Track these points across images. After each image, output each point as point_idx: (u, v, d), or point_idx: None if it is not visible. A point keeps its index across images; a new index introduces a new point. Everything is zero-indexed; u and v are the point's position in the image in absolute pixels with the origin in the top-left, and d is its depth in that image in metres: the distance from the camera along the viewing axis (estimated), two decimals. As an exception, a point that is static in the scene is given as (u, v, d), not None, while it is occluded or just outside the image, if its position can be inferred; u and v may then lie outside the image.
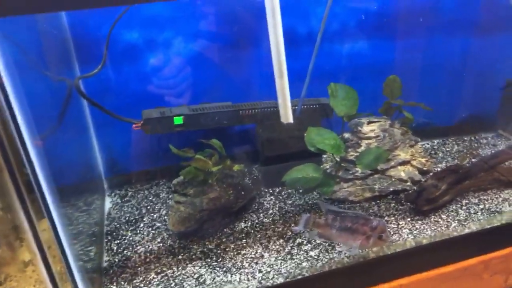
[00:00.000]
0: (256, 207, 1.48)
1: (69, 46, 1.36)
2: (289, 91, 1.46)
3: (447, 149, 1.86)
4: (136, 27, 1.40)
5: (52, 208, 0.88)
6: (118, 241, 1.34)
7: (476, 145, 1.88)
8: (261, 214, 1.44)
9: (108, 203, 1.55)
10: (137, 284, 1.16)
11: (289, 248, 1.27)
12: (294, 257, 1.23)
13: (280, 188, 1.59)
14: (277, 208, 1.48)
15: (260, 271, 1.18)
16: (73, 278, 0.94)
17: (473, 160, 1.71)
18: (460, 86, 1.88)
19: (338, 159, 1.49)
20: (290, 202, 1.51)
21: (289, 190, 1.57)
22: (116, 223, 1.43)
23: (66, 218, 1.08)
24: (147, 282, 1.17)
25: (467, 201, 1.47)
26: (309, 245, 1.28)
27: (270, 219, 1.42)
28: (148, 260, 1.26)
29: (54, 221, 0.88)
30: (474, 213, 1.40)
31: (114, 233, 1.38)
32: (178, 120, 1.43)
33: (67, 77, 1.30)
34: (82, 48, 1.37)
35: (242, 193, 1.42)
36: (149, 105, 1.48)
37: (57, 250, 0.91)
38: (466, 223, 1.35)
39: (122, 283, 1.17)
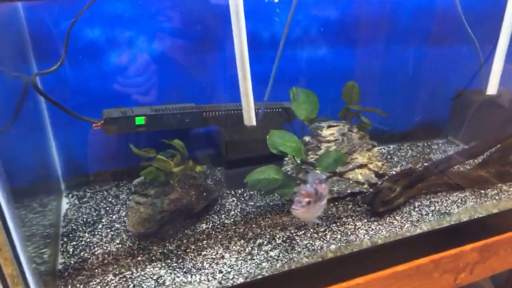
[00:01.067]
0: (218, 209, 1.49)
1: (25, 41, 1.31)
2: (252, 94, 1.49)
3: (402, 153, 1.94)
4: (98, 24, 1.38)
5: (4, 209, 0.84)
6: (75, 243, 1.30)
7: (428, 150, 1.98)
8: (223, 216, 1.45)
9: (65, 204, 1.50)
10: (94, 286, 1.13)
11: (250, 248, 1.28)
12: (255, 258, 1.24)
13: (242, 189, 1.60)
14: (238, 210, 1.49)
15: (220, 272, 1.19)
16: (26, 281, 0.90)
17: (425, 164, 1.80)
18: (414, 94, 1.97)
19: (298, 161, 1.52)
20: (251, 203, 1.53)
21: (251, 192, 1.59)
22: (73, 225, 1.39)
23: (20, 220, 1.04)
24: (104, 284, 1.14)
25: (419, 203, 1.54)
26: (269, 245, 1.30)
27: (232, 220, 1.43)
28: (106, 261, 1.23)
29: (6, 222, 0.85)
30: (425, 215, 1.47)
31: (71, 235, 1.34)
32: (140, 120, 1.41)
33: (23, 73, 1.25)
34: (39, 44, 1.33)
35: (204, 194, 1.42)
36: (110, 105, 1.46)
37: (9, 252, 0.87)
38: (418, 224, 1.42)
39: (78, 285, 1.14)
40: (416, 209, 1.50)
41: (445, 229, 1.43)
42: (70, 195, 1.55)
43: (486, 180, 1.65)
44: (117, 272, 1.18)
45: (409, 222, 1.42)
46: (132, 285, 1.14)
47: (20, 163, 1.14)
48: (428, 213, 1.48)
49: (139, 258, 1.24)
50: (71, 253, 1.26)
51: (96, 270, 1.19)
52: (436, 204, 1.53)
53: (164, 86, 1.53)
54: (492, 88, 1.90)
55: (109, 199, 1.53)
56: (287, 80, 1.63)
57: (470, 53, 1.89)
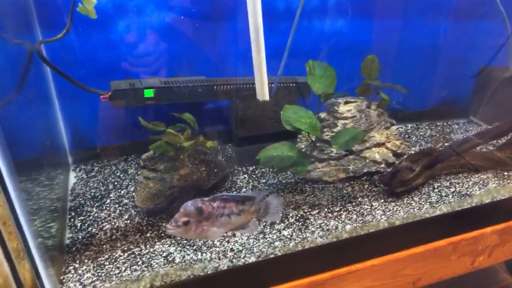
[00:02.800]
0: (229, 185, 1.44)
1: (29, 7, 1.25)
2: (266, 68, 1.42)
3: (421, 133, 1.87)
4: (105, -10, 1.31)
5: (8, 182, 0.81)
6: (82, 218, 1.28)
7: (448, 130, 1.90)
8: (234, 193, 1.41)
9: (72, 178, 1.47)
10: (102, 262, 1.11)
11: (262, 227, 1.24)
12: (267, 236, 1.20)
13: (254, 166, 1.56)
14: (250, 187, 1.44)
15: (231, 250, 1.15)
16: (31, 256, 0.88)
17: (445, 144, 1.73)
18: (436, 70, 1.89)
19: (313, 138, 1.46)
20: (263, 181, 1.48)
21: (263, 169, 1.54)
22: (80, 199, 1.36)
23: (25, 193, 1.00)
24: (113, 260, 1.11)
25: (438, 184, 1.48)
26: (282, 224, 1.25)
27: (243, 198, 1.38)
28: (114, 237, 1.20)
29: (10, 196, 0.81)
30: (445, 196, 1.41)
31: (78, 209, 1.31)
32: (149, 93, 1.36)
33: (27, 41, 1.20)
34: (44, 11, 1.27)
35: (215, 170, 1.38)
36: (118, 76, 1.40)
37: (14, 226, 0.84)
38: (437, 205, 1.36)
39: (86, 261, 1.11)
40: (436, 190, 1.44)
41: (465, 211, 1.37)
42: (78, 169, 1.52)
43: (510, 162, 1.58)
44: (125, 248, 1.15)
45: (428, 203, 1.37)
46: (141, 261, 1.11)
47: (25, 134, 1.10)
48: (448, 195, 1.42)
49: (148, 235, 1.21)
50: (78, 228, 1.24)
51: (104, 246, 1.17)
52: (456, 185, 1.47)
53: (173, 58, 1.47)
54: (519, 65, 1.81)
55: (117, 174, 1.50)
56: (302, 53, 1.55)
57: (498, 28, 1.79)
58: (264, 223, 1.26)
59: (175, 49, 1.46)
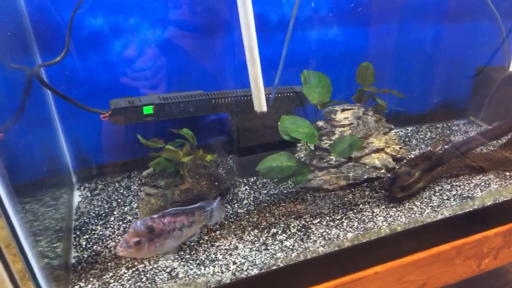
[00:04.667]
0: (230, 198, 1.46)
1: (27, 32, 1.28)
2: (262, 79, 1.43)
3: (420, 136, 1.87)
4: (101, 12, 1.34)
5: (8, 206, 0.83)
6: (87, 236, 1.29)
7: (448, 132, 1.90)
8: (236, 205, 1.42)
9: (77, 197, 1.49)
10: (107, 280, 1.12)
11: (264, 238, 1.25)
12: (269, 248, 1.21)
13: (254, 177, 1.57)
14: (251, 198, 1.45)
15: (234, 263, 1.16)
16: (35, 277, 0.89)
17: (445, 146, 1.73)
18: (433, 73, 1.89)
19: (312, 147, 1.47)
20: (265, 191, 1.49)
21: (264, 180, 1.55)
22: (85, 218, 1.38)
23: (31, 214, 1.03)
24: (118, 278, 1.12)
25: (440, 187, 1.48)
26: (284, 234, 1.26)
27: (245, 209, 1.39)
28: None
29: (10, 219, 0.83)
30: (447, 199, 1.41)
31: (83, 228, 1.33)
32: (148, 110, 1.38)
33: (27, 66, 1.23)
34: (42, 35, 1.30)
35: (216, 183, 1.39)
36: (117, 95, 1.42)
37: (16, 248, 0.86)
38: (439, 209, 1.36)
39: (91, 279, 1.12)
40: (437, 193, 1.44)
41: (467, 214, 1.37)
42: (82, 187, 1.54)
43: (511, 162, 1.57)
44: (129, 266, 1.17)
45: (429, 208, 1.37)
46: (145, 278, 1.12)
47: (28, 156, 1.13)
48: (450, 198, 1.41)
49: (151, 251, 1.22)
50: (84, 246, 1.25)
51: (109, 264, 1.18)
52: (458, 188, 1.47)
53: (171, 74, 1.49)
54: (515, 64, 1.81)
55: (121, 191, 1.51)
56: (297, 63, 1.57)
57: (491, 29, 1.79)
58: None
59: (171, 65, 1.48)
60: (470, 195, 1.43)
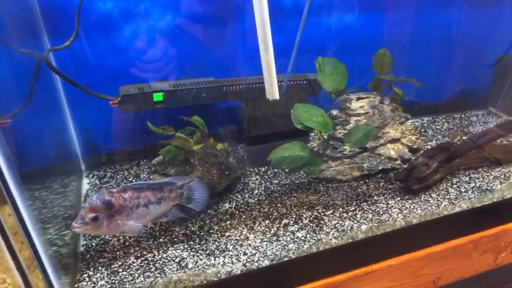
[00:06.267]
0: (241, 187, 1.43)
1: (36, 16, 1.25)
2: (275, 66, 1.39)
3: (437, 126, 1.82)
4: (110, -5, 1.31)
5: (15, 193, 0.81)
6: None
7: (466, 122, 1.84)
8: (246, 195, 1.39)
9: (85, 185, 1.48)
10: (116, 269, 1.10)
11: (275, 229, 1.22)
12: (280, 239, 1.18)
13: (266, 167, 1.54)
14: (262, 188, 1.42)
15: (245, 254, 1.13)
16: (42, 265, 0.88)
17: (464, 138, 1.67)
18: (450, 61, 1.83)
19: (325, 137, 1.43)
20: (276, 181, 1.46)
21: (275, 170, 1.52)
22: (94, 206, 1.36)
23: (40, 201, 1.01)
24: (126, 267, 1.11)
25: (457, 179, 1.43)
26: (295, 225, 1.23)
27: (256, 199, 1.37)
28: (127, 243, 1.20)
29: (17, 206, 0.81)
30: (464, 192, 1.36)
31: (92, 216, 1.31)
32: (158, 97, 1.35)
33: (35, 50, 1.20)
34: (51, 18, 1.27)
35: (226, 172, 1.36)
36: (127, 81, 1.39)
37: (24, 236, 0.84)
38: (456, 202, 1.32)
39: (100, 268, 1.11)
40: (454, 185, 1.40)
41: (485, 207, 1.33)
42: (91, 175, 1.52)
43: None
44: (138, 255, 1.15)
45: (446, 200, 1.32)
46: (154, 268, 1.10)
47: (36, 143, 1.11)
48: (468, 190, 1.37)
49: (161, 240, 1.20)
50: (92, 234, 1.24)
51: (118, 253, 1.16)
52: (476, 180, 1.42)
53: (182, 60, 1.46)
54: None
55: (130, 179, 1.50)
56: (312, 50, 1.52)
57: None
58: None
59: (182, 51, 1.45)
60: (488, 188, 1.38)
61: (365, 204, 1.32)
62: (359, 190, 1.39)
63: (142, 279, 1.06)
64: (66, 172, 1.34)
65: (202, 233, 1.22)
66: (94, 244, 1.20)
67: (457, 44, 1.80)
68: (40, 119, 1.17)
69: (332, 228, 1.22)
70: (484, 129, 1.76)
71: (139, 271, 1.09)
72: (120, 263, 1.13)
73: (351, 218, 1.26)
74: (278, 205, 1.33)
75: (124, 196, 1.02)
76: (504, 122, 1.77)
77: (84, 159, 1.53)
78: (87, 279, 1.07)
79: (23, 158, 0.92)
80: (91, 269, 1.11)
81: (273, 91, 1.43)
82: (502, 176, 1.44)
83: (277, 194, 1.39)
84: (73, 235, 1.18)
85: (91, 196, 1.01)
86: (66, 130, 1.44)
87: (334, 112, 1.51)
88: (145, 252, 1.16)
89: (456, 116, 1.90)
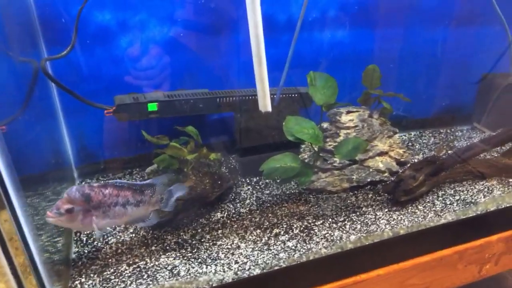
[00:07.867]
0: (233, 197, 1.45)
1: (34, 26, 1.28)
2: (267, 79, 1.43)
3: (424, 141, 1.87)
4: (108, 7, 1.33)
5: (13, 198, 0.82)
6: (88, 232, 1.28)
7: (452, 137, 1.90)
8: (238, 204, 1.41)
9: (78, 193, 1.48)
10: (108, 276, 1.11)
11: (266, 238, 1.24)
12: (271, 248, 1.20)
13: (257, 178, 1.56)
14: (254, 198, 1.45)
15: (236, 262, 1.15)
16: (37, 271, 0.88)
17: (449, 152, 1.72)
18: (437, 78, 1.89)
19: (316, 149, 1.47)
20: (267, 192, 1.48)
21: (267, 180, 1.54)
22: (86, 214, 1.37)
23: (32, 208, 1.02)
24: (118, 274, 1.12)
25: (443, 192, 1.47)
26: (286, 235, 1.25)
27: (247, 209, 1.39)
28: (119, 251, 1.20)
29: (15, 212, 0.82)
30: (450, 204, 1.40)
31: (84, 224, 1.32)
32: (153, 107, 1.37)
33: (33, 58, 1.22)
34: (49, 28, 1.29)
35: (219, 182, 1.38)
36: (122, 91, 1.42)
37: (20, 242, 0.85)
38: (442, 213, 1.35)
39: (92, 275, 1.11)
40: (440, 198, 1.44)
41: (470, 219, 1.36)
42: (83, 183, 1.53)
43: (514, 168, 1.57)
44: (130, 262, 1.16)
45: (432, 212, 1.36)
46: (146, 275, 1.11)
47: (31, 150, 1.12)
48: (453, 203, 1.41)
49: (153, 248, 1.21)
50: (84, 242, 1.24)
51: (110, 260, 1.17)
52: (461, 193, 1.47)
53: (176, 71, 1.49)
54: (521, 71, 1.81)
55: (123, 188, 1.50)
56: (304, 64, 1.57)
57: (497, 34, 1.79)
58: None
59: (177, 63, 1.48)
60: (473, 201, 1.42)
61: (354, 215, 1.35)
62: (348, 201, 1.42)
63: (134, 286, 1.07)
64: (58, 179, 1.35)
65: (194, 242, 1.23)
66: (86, 251, 1.21)
67: (444, 61, 1.86)
68: (35, 127, 1.18)
69: (322, 238, 1.24)
70: (468, 144, 1.81)
71: (131, 278, 1.10)
72: (112, 270, 1.13)
73: (341, 229, 1.28)
74: (269, 215, 1.35)
75: (104, 191, 0.98)
76: (487, 137, 1.82)
77: (77, 167, 1.54)
78: (79, 286, 1.08)
79: (17, 164, 0.93)
80: (83, 276, 1.11)
81: (265, 104, 1.46)
82: (486, 190, 1.48)
83: (269, 204, 1.41)
84: (65, 242, 1.18)
85: (71, 187, 0.97)
86: (60, 138, 1.45)
87: (325, 125, 1.55)
88: (137, 260, 1.17)
89: (442, 131, 1.95)
